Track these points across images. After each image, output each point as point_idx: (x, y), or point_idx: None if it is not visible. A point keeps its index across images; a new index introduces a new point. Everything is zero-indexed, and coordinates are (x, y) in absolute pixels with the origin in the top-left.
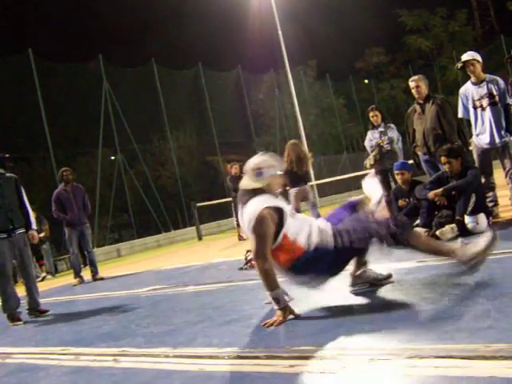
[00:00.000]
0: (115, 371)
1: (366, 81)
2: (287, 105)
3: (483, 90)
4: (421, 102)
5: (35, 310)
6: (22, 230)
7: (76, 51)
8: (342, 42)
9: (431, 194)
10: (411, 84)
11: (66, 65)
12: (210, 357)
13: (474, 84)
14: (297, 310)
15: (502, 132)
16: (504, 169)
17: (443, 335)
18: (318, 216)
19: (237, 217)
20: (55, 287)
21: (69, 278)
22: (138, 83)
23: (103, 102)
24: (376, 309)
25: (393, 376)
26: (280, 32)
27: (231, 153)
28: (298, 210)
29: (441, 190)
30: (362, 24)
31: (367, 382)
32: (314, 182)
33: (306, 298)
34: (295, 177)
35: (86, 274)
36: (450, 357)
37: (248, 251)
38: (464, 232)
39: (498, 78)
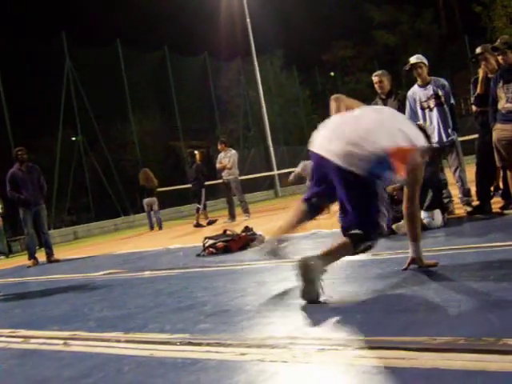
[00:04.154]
0: (65, 355)
1: (332, 73)
2: (252, 93)
3: (429, 91)
4: (383, 97)
5: None
6: None
7: (39, 28)
8: (310, 34)
9: (390, 188)
10: (374, 79)
11: (27, 41)
12: (162, 342)
13: (421, 86)
14: (251, 298)
15: (449, 131)
16: (451, 167)
17: (393, 328)
18: (160, 223)
19: (198, 203)
20: (8, 268)
21: (23, 259)
22: (102, 64)
23: (65, 82)
24: (328, 300)
25: (341, 365)
26: (248, 20)
27: (194, 139)
28: (149, 215)
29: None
30: (331, 17)
31: (316, 371)
32: (275, 172)
33: (260, 289)
34: (145, 191)
35: (41, 255)
36: (396, 348)
37: (206, 238)
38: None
39: (442, 80)
